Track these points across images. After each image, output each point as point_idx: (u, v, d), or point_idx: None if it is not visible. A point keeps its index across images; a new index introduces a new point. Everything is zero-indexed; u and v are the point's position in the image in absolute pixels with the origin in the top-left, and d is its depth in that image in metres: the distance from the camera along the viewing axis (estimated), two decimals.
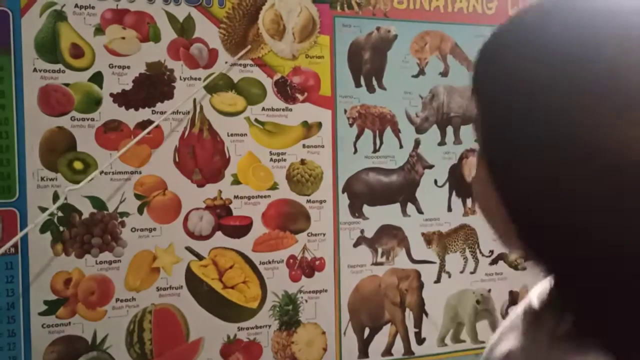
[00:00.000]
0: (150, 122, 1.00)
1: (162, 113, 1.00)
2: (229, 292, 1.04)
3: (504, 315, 1.20)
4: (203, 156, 1.03)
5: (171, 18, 1.02)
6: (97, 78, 0.98)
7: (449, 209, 1.18)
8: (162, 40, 1.01)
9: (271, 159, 1.07)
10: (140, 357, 0.99)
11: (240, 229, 1.05)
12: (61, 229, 0.96)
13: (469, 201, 1.19)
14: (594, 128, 0.34)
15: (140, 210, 1.00)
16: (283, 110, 1.08)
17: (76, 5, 0.97)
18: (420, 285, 1.16)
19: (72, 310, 0.96)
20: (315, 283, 1.09)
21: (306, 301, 1.08)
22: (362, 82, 1.13)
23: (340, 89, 1.11)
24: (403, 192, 1.15)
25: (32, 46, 0.95)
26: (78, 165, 0.97)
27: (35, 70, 0.95)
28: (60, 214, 0.95)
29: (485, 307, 1.20)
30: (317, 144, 1.10)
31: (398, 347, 1.14)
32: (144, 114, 1.00)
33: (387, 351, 1.14)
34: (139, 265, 1.00)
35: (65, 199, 0.93)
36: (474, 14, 1.19)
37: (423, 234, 1.17)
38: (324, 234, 1.10)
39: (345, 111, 1.12)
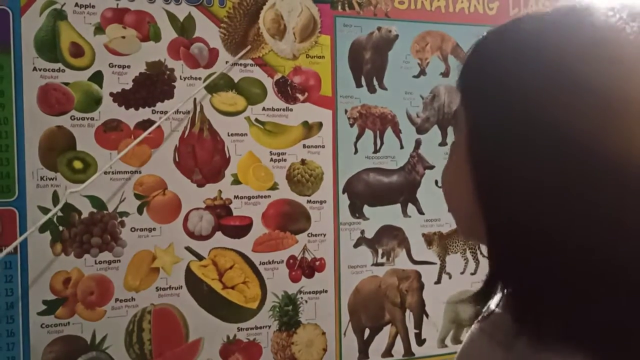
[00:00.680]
0: (150, 121, 0.99)
1: (162, 112, 1.00)
2: (229, 292, 1.04)
3: None
4: (203, 156, 1.03)
5: (171, 17, 1.01)
6: (97, 77, 0.98)
7: None
8: (162, 39, 1.01)
9: (271, 159, 1.07)
10: (140, 357, 0.99)
11: (240, 229, 1.05)
12: (60, 228, 0.96)
13: None
14: (586, 128, 0.35)
15: (140, 210, 0.99)
16: (283, 110, 1.07)
17: (76, 4, 0.97)
18: (421, 286, 1.16)
19: (71, 310, 0.96)
20: (315, 283, 1.09)
21: (306, 302, 1.08)
22: (363, 82, 1.13)
23: (341, 89, 1.11)
24: (404, 192, 1.15)
25: (32, 45, 0.94)
26: (78, 164, 0.97)
27: (35, 69, 0.94)
28: (59, 213, 0.95)
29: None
30: (318, 144, 1.09)
31: (398, 348, 1.14)
32: (144, 113, 1.00)
33: (387, 352, 1.13)
34: (139, 265, 0.99)
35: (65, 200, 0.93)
36: (475, 15, 1.19)
37: (424, 235, 1.16)
38: (324, 235, 1.09)
39: (346, 111, 1.11)
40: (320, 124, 1.10)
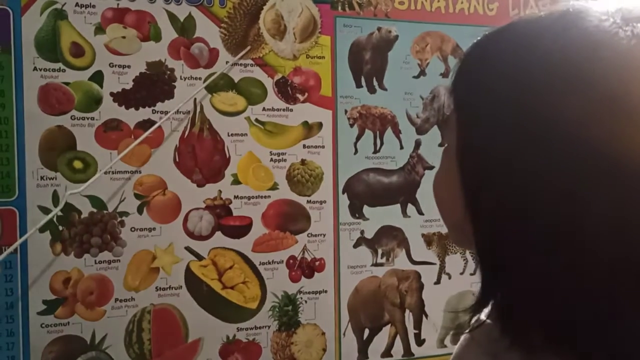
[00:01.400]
0: (150, 121, 0.99)
1: (162, 112, 1.00)
2: (229, 292, 1.04)
3: None
4: (203, 156, 1.03)
5: (172, 17, 1.01)
6: (98, 77, 0.98)
7: None
8: (162, 39, 1.01)
9: (271, 159, 1.07)
10: (139, 357, 0.99)
11: (240, 229, 1.05)
12: (60, 228, 0.96)
13: None
14: (585, 124, 0.34)
15: (139, 210, 0.99)
16: (283, 110, 1.08)
17: (77, 4, 0.97)
18: (420, 287, 1.16)
19: (71, 310, 0.96)
20: (315, 284, 1.09)
21: (306, 302, 1.08)
22: (363, 82, 1.13)
23: (341, 90, 1.11)
24: (403, 192, 1.15)
25: (33, 45, 0.94)
26: (78, 164, 0.97)
27: (35, 69, 0.94)
28: (59, 213, 0.95)
29: None
30: (318, 144, 1.09)
31: (398, 348, 1.14)
32: (144, 113, 1.00)
33: (387, 352, 1.13)
34: (139, 265, 0.99)
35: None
36: (475, 15, 1.19)
37: (423, 235, 1.16)
38: (324, 235, 1.09)
39: (346, 111, 1.11)
40: (320, 124, 1.10)
